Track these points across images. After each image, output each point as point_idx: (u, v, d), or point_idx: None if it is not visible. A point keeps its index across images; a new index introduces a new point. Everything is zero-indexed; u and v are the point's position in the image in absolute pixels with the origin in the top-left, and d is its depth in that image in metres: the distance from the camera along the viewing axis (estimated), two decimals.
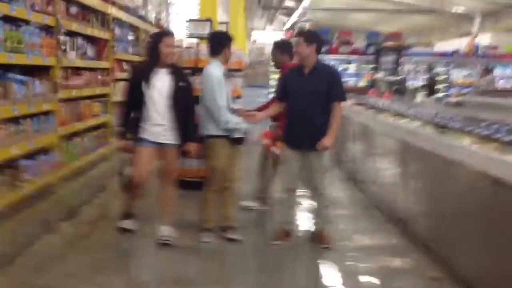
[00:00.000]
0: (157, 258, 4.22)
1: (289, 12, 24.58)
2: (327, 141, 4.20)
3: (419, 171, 4.59)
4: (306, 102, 4.25)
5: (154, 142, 4.22)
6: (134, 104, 4.22)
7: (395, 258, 4.39)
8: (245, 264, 4.17)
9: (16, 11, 4.98)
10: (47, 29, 5.80)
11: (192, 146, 4.30)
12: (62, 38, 6.02)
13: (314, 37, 4.30)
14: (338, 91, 4.33)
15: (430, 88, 15.71)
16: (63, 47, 6.07)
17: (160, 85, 4.16)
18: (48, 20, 5.74)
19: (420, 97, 14.35)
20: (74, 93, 6.63)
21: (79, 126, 6.87)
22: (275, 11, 24.01)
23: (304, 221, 5.10)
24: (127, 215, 4.54)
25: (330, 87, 4.25)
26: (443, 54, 19.45)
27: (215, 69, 4.34)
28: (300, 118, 4.28)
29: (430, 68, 16.77)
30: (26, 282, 3.63)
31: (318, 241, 4.45)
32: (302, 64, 4.29)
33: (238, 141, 4.42)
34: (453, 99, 14.72)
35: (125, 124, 4.30)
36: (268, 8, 22.16)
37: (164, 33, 4.41)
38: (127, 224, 4.51)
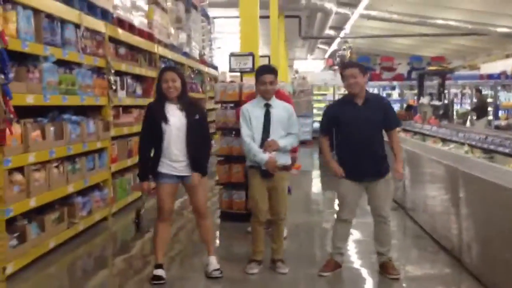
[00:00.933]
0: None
1: (329, 41, 24.71)
2: (400, 167, 4.32)
3: (471, 198, 4.50)
4: (366, 132, 4.25)
5: (174, 177, 4.24)
6: (152, 143, 4.24)
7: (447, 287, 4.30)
8: None
9: (69, 54, 5.25)
10: (98, 70, 6.07)
11: (196, 176, 4.23)
12: (112, 78, 6.28)
13: (365, 68, 4.36)
14: (393, 118, 4.45)
15: (480, 110, 15.40)
16: (113, 87, 6.32)
17: (174, 120, 4.18)
18: (99, 62, 6.00)
19: (469, 121, 14.13)
20: (125, 130, 6.86)
21: (129, 162, 7.08)
22: (316, 40, 24.18)
23: (355, 252, 5.06)
24: (158, 265, 4.35)
25: (386, 115, 4.32)
26: (490, 76, 19.09)
27: (248, 103, 4.55)
28: (362, 149, 4.25)
29: (478, 90, 16.49)
30: None
31: (387, 272, 4.37)
32: (354, 95, 4.28)
33: (265, 174, 4.34)
34: (502, 122, 14.41)
35: (145, 164, 4.32)
36: (309, 38, 22.34)
37: (162, 69, 4.45)
38: (157, 272, 4.32)
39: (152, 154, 4.28)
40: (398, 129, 9.50)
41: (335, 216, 4.55)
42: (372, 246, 4.60)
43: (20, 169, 4.47)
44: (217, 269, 4.38)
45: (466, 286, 4.29)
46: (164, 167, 4.20)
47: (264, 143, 4.32)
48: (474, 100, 15.89)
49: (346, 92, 4.43)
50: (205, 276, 4.38)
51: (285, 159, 4.43)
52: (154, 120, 4.19)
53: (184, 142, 4.18)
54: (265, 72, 4.44)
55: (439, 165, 5.37)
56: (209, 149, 4.50)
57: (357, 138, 4.26)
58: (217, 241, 5.70)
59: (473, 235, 4.40)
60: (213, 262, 4.42)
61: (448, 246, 4.94)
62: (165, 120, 4.15)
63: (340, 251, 4.51)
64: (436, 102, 14.80)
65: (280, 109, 4.46)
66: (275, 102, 4.47)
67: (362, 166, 4.26)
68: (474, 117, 15.37)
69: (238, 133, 5.39)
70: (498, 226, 3.94)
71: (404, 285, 4.35)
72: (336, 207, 4.77)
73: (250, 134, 4.35)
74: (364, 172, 4.27)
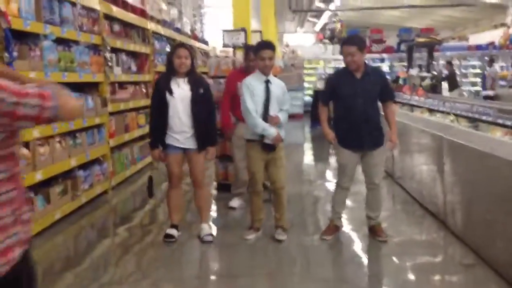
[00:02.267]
0: (206, 254, 4.52)
1: (319, 14, 24.71)
2: (395, 138, 4.57)
3: (455, 164, 4.75)
4: (364, 104, 4.45)
5: (178, 148, 4.51)
6: (160, 114, 4.49)
7: (434, 250, 4.55)
8: (291, 258, 4.42)
9: (67, 32, 5.39)
10: (94, 48, 6.21)
11: (211, 151, 4.58)
12: (108, 55, 6.42)
13: (363, 43, 4.51)
14: (390, 91, 4.71)
15: (451, 82, 15.64)
16: (109, 64, 6.46)
17: (180, 93, 4.42)
18: (95, 39, 6.14)
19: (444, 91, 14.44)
20: (121, 106, 7.03)
21: (127, 137, 7.26)
22: (305, 13, 24.18)
23: (347, 218, 5.32)
24: (172, 225, 4.77)
25: (383, 88, 4.54)
26: (478, 47, 19.25)
27: (251, 76, 4.65)
28: (360, 120, 4.46)
29: (448, 62, 16.73)
30: (93, 279, 3.98)
31: (376, 234, 4.65)
32: (352, 69, 4.45)
33: (269, 147, 4.54)
34: (490, 92, 14.67)
35: (155, 134, 4.58)
36: (298, 11, 22.35)
37: (176, 45, 4.69)
38: (171, 231, 4.72)
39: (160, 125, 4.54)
40: None
41: (335, 183, 4.78)
42: (362, 212, 4.86)
43: (26, 144, 4.65)
44: (209, 234, 4.67)
45: (451, 247, 4.55)
46: (169, 139, 4.48)
47: (268, 117, 4.48)
48: (446, 72, 16.12)
49: (337, 66, 4.64)
50: (199, 241, 4.64)
51: (283, 133, 4.62)
52: (160, 92, 4.42)
53: (189, 113, 4.42)
54: (265, 47, 4.55)
55: (425, 134, 5.61)
56: (214, 122, 4.69)
57: (355, 110, 4.45)
58: (214, 212, 5.94)
59: (457, 199, 4.66)
60: (206, 228, 4.70)
61: (434, 210, 5.22)
62: (170, 91, 4.39)
63: (339, 216, 4.78)
64: (425, 74, 15.00)
65: (276, 85, 4.62)
66: (272, 79, 4.64)
67: (360, 136, 4.48)
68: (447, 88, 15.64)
69: (232, 107, 5.58)
70: (480, 190, 4.19)
71: (393, 247, 4.59)
72: (327, 177, 5.00)
73: (255, 109, 4.48)
74: (362, 142, 4.49)
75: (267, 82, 4.54)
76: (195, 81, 4.48)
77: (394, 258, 4.34)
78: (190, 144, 4.50)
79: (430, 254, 4.43)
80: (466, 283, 3.90)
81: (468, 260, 4.13)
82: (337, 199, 4.74)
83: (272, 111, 4.51)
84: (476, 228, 4.27)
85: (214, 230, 5.00)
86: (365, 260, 4.37)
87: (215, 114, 4.70)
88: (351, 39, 4.57)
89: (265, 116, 4.48)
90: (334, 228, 4.74)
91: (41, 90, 1.68)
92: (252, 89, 4.50)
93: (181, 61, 4.40)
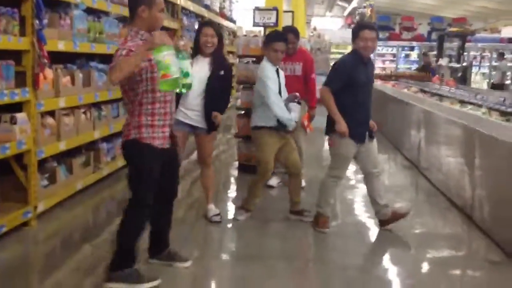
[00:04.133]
0: (222, 234, 4.48)
1: None
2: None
3: (486, 158, 4.61)
4: (368, 93, 4.36)
5: (187, 125, 4.40)
6: None
7: (459, 244, 4.47)
8: (309, 243, 4.37)
9: (97, 3, 5.33)
10: (124, 20, 6.14)
11: (219, 115, 4.34)
12: None
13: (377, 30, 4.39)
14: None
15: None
16: None
17: (200, 72, 4.28)
18: (125, 11, 6.06)
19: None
20: None
21: None
22: None
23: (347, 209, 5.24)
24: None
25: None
26: (510, 40, 18.78)
27: (266, 63, 4.56)
28: (366, 110, 4.36)
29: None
30: (111, 252, 3.96)
31: (399, 217, 4.52)
32: (367, 56, 4.33)
33: (286, 131, 4.49)
34: None
35: None
36: None
37: (202, 24, 4.60)
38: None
39: None
40: (415, 88, 9.55)
41: (331, 175, 4.48)
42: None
43: (51, 113, 4.64)
44: (217, 214, 4.61)
45: (476, 242, 4.45)
46: (179, 114, 4.33)
47: (290, 96, 4.49)
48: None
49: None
50: (208, 221, 4.59)
51: (298, 116, 4.59)
52: None
53: (202, 93, 4.31)
54: (278, 39, 4.52)
55: (455, 125, 5.46)
56: (226, 104, 4.58)
57: (366, 99, 4.36)
58: (234, 192, 5.91)
59: (486, 193, 4.54)
60: (212, 208, 4.64)
61: (461, 204, 5.09)
62: None
63: (331, 207, 4.62)
64: (455, 64, 14.73)
65: (281, 74, 4.64)
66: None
67: (365, 127, 4.37)
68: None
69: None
70: (511, 185, 4.06)
71: (414, 239, 4.53)
72: None
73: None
74: (364, 133, 4.37)
75: (277, 71, 4.56)
76: (217, 62, 4.38)
77: (413, 249, 4.28)
78: (199, 122, 4.38)
79: (453, 248, 4.34)
80: (490, 280, 3.79)
81: (494, 256, 4.02)
82: (331, 191, 4.51)
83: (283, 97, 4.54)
84: (505, 225, 4.15)
85: (232, 210, 4.97)
86: (384, 250, 4.30)
87: (229, 95, 4.60)
88: (371, 25, 4.45)
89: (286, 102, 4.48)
90: (327, 219, 4.53)
91: None
92: (270, 75, 4.46)
93: (206, 39, 4.32)
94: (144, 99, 3.17)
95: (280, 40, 4.52)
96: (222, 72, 4.36)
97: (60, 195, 4.79)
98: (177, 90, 3.15)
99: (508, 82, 15.97)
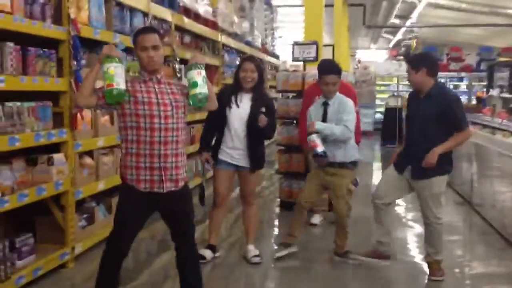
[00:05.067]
0: (264, 275, 4.32)
1: (394, 30, 24.10)
2: (431, 157, 3.92)
3: None
4: (416, 128, 4.10)
5: (231, 165, 4.32)
6: (215, 126, 4.37)
7: None
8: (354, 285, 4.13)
9: None
10: (164, 59, 6.17)
11: (263, 118, 4.18)
12: (177, 66, 6.38)
13: (421, 62, 4.06)
14: (454, 119, 3.97)
15: None
16: (178, 75, 6.42)
17: (242, 109, 4.24)
18: (165, 50, 6.08)
19: None
20: (187, 118, 6.95)
21: (191, 149, 7.19)
22: (380, 29, 23.65)
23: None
24: (208, 246, 4.55)
25: (446, 114, 3.95)
26: None
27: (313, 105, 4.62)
28: (411, 144, 4.15)
29: None
30: None
31: (430, 272, 4.21)
32: (418, 89, 4.13)
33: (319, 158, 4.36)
34: None
35: (207, 145, 4.46)
36: (373, 26, 21.88)
37: (243, 59, 4.52)
38: (204, 252, 4.45)
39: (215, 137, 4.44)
40: None
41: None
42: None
43: (90, 153, 4.63)
44: (257, 255, 4.45)
45: None
46: (223, 154, 4.31)
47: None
48: None
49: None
50: (248, 262, 4.44)
51: (334, 152, 4.34)
52: (220, 105, 4.22)
53: (245, 131, 4.23)
54: (329, 72, 4.40)
55: (509, 159, 5.15)
56: (270, 134, 4.46)
57: (409, 132, 4.21)
58: (276, 229, 5.74)
59: None
60: (252, 249, 4.50)
61: None
62: (230, 106, 4.24)
63: (387, 238, 4.46)
64: (507, 95, 14.17)
65: (334, 103, 4.44)
66: (334, 99, 4.46)
67: (405, 159, 4.14)
68: None
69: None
70: None
71: (468, 281, 4.23)
72: (396, 200, 4.60)
73: None
74: (404, 166, 4.14)
75: (325, 104, 4.43)
76: (258, 98, 4.28)
77: None
78: (243, 162, 4.30)
79: None
80: None
81: None
82: (377, 217, 4.38)
83: None
84: None
85: (274, 250, 4.78)
86: None
87: (273, 128, 4.38)
88: (407, 57, 4.33)
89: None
90: (384, 253, 4.40)
91: None
92: (310, 116, 4.49)
93: (246, 74, 4.24)
94: (129, 136, 3.07)
95: (331, 72, 4.37)
96: (263, 109, 4.24)
97: (99, 235, 4.73)
98: (189, 103, 3.10)
99: None
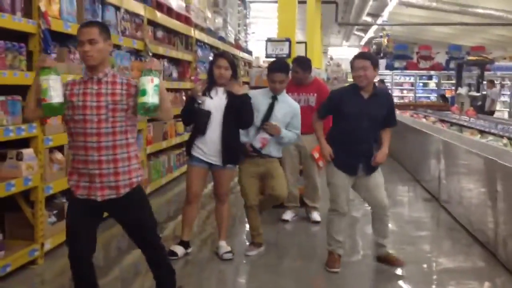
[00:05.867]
0: (236, 271, 4.35)
1: (366, 28, 24.38)
2: (381, 157, 4.11)
3: (509, 192, 4.41)
4: (365, 127, 4.09)
5: (204, 162, 4.29)
6: (190, 121, 4.35)
7: (481, 281, 4.24)
8: (325, 282, 4.18)
9: None
10: (136, 53, 6.14)
11: (237, 86, 4.28)
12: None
13: (377, 60, 4.19)
14: (393, 118, 4.29)
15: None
16: None
17: (216, 101, 4.20)
18: (137, 45, 6.07)
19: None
20: None
21: (164, 144, 7.17)
22: (352, 27, 23.88)
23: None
24: (180, 242, 4.52)
25: (388, 113, 4.17)
26: None
27: (257, 91, 4.68)
28: (357, 143, 4.11)
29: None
30: None
31: (390, 263, 4.31)
32: (360, 87, 4.10)
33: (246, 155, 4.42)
34: None
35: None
36: (345, 24, 22.08)
37: (216, 55, 4.51)
38: (175, 248, 4.46)
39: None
40: (433, 118, 9.38)
41: (330, 210, 4.31)
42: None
43: (60, 148, 4.57)
44: (229, 252, 4.45)
45: (501, 280, 4.21)
46: (196, 150, 4.27)
47: (269, 123, 4.35)
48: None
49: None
50: (220, 258, 4.44)
51: (273, 150, 4.47)
52: (193, 100, 4.23)
53: (219, 126, 4.20)
54: (276, 71, 4.45)
55: (476, 157, 5.27)
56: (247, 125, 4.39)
57: (357, 131, 4.09)
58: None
59: (510, 228, 4.32)
60: (224, 245, 4.49)
61: (483, 239, 4.87)
62: (203, 101, 4.20)
63: (341, 244, 4.36)
64: (474, 93, 14.51)
65: (285, 105, 4.49)
66: (284, 98, 4.52)
67: (356, 161, 4.13)
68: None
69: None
70: None
71: (435, 277, 4.32)
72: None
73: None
74: (355, 166, 4.14)
75: (274, 98, 4.46)
76: (232, 94, 4.25)
77: (434, 287, 4.09)
78: (217, 159, 4.26)
79: (476, 286, 4.13)
80: None
81: None
82: (335, 227, 4.26)
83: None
84: None
85: (246, 246, 4.81)
86: (407, 287, 4.09)
87: (250, 120, 4.33)
88: (363, 54, 4.30)
89: (259, 129, 4.38)
90: (338, 258, 4.30)
91: None
92: (255, 103, 4.37)
93: (220, 71, 4.23)
94: (70, 142, 3.00)
95: (278, 70, 4.44)
96: (238, 102, 4.23)
97: (63, 235, 4.67)
98: (139, 113, 2.94)
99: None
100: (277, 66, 4.56)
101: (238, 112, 4.22)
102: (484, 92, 15.16)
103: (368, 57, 4.10)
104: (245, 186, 4.50)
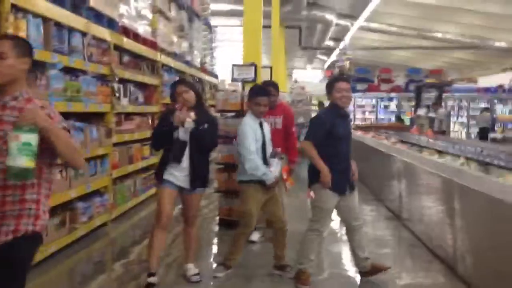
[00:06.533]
0: None
1: (329, 51, 24.89)
2: (356, 172, 4.47)
3: (466, 209, 4.60)
4: (348, 146, 4.40)
5: (175, 185, 4.32)
6: (162, 147, 4.39)
7: None
8: None
9: (75, 62, 5.36)
10: (102, 78, 6.17)
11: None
12: (116, 85, 6.38)
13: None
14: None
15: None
16: (116, 94, 6.42)
17: (185, 124, 4.22)
18: (103, 70, 6.11)
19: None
20: (126, 137, 6.96)
21: (130, 168, 7.17)
22: (315, 51, 24.37)
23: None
24: (149, 274, 4.33)
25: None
26: (487, 90, 19.26)
27: (247, 117, 4.63)
28: (347, 163, 4.37)
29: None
30: None
31: (380, 270, 4.51)
32: (341, 108, 4.37)
33: (266, 186, 4.48)
34: (498, 135, 14.58)
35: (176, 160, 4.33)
36: (308, 48, 22.53)
37: (176, 82, 4.58)
38: (151, 279, 4.30)
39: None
40: (394, 139, 9.64)
41: (313, 229, 4.39)
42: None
43: None
44: (197, 274, 4.49)
45: None
46: (167, 175, 4.29)
47: (272, 152, 4.54)
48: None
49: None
50: (187, 281, 4.45)
51: (279, 171, 4.62)
52: (167, 123, 4.26)
53: (189, 150, 4.26)
54: (262, 94, 4.61)
55: (435, 176, 5.47)
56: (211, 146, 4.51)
57: (345, 151, 4.36)
58: (216, 248, 5.81)
59: (468, 245, 4.50)
60: (191, 268, 4.53)
61: (443, 255, 5.04)
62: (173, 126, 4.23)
63: (313, 263, 4.49)
64: (433, 114, 14.93)
65: (266, 127, 4.70)
66: (263, 120, 4.71)
67: (346, 179, 4.37)
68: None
69: None
70: (492, 237, 4.04)
71: None
72: None
73: (255, 151, 4.47)
74: (345, 185, 4.37)
75: (261, 124, 4.62)
76: (200, 113, 4.31)
77: None
78: (188, 183, 4.32)
79: None
80: None
81: None
82: (313, 246, 4.40)
83: (269, 151, 4.57)
84: (487, 277, 4.10)
85: (212, 267, 4.85)
86: None
87: (212, 142, 4.44)
88: (345, 77, 4.59)
89: (265, 158, 4.50)
90: (309, 276, 4.41)
91: None
92: (254, 131, 4.50)
93: (181, 98, 4.28)
94: None
95: (263, 94, 4.60)
96: (206, 126, 4.28)
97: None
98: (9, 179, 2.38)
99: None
100: (261, 90, 4.72)
101: (201, 138, 4.27)
102: (444, 113, 15.63)
103: (348, 80, 4.49)
104: (253, 212, 4.49)
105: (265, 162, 4.49)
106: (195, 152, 4.28)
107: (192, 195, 4.39)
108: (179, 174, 4.29)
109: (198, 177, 4.33)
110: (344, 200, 4.38)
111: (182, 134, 4.25)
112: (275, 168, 4.50)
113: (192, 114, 4.17)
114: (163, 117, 4.47)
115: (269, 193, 4.55)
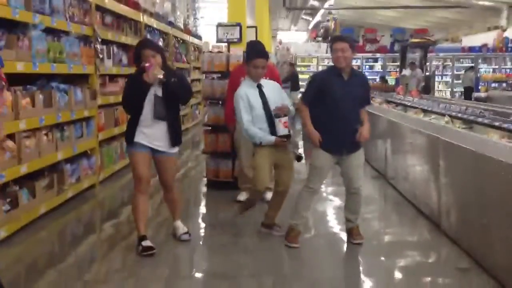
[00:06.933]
0: (192, 253, 4.41)
1: (314, 12, 24.62)
2: (366, 132, 4.31)
3: (450, 166, 4.68)
4: (348, 107, 4.28)
5: (148, 147, 4.17)
6: (134, 108, 4.17)
7: (426, 252, 4.49)
8: (280, 258, 4.33)
9: (57, 23, 5.25)
10: (85, 39, 6.07)
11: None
12: (99, 47, 6.28)
13: (355, 42, 4.44)
14: (369, 97, 4.57)
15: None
16: (100, 56, 6.32)
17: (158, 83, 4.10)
18: (86, 31, 6.00)
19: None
20: (111, 99, 6.89)
21: (116, 131, 7.13)
22: (299, 11, 24.08)
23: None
24: (141, 237, 4.23)
25: (364, 93, 4.42)
26: (471, 49, 19.30)
27: (242, 85, 4.54)
28: (342, 124, 4.28)
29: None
30: (77, 278, 3.87)
31: (352, 237, 4.52)
32: (340, 69, 4.27)
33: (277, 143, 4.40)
34: (482, 94, 14.72)
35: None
36: (293, 8, 22.24)
37: (142, 45, 4.28)
38: (146, 243, 4.20)
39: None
40: (379, 100, 9.70)
41: (305, 186, 4.45)
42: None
43: (11, 136, 4.52)
44: (186, 232, 4.49)
45: (445, 250, 4.47)
46: (139, 136, 4.13)
47: (275, 112, 4.35)
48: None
49: (330, 64, 4.47)
50: (177, 240, 4.47)
51: (286, 130, 4.42)
52: (137, 88, 4.10)
53: (162, 104, 4.11)
54: (259, 56, 4.46)
55: (420, 134, 5.54)
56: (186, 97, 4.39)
57: (341, 112, 4.26)
58: (204, 209, 5.86)
59: (452, 201, 4.59)
60: (180, 226, 4.51)
61: (428, 212, 5.14)
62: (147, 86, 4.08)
63: (305, 220, 4.57)
64: (407, 73, 14.97)
65: (269, 88, 4.54)
66: (264, 82, 4.57)
67: (342, 140, 4.31)
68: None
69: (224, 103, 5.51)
70: (475, 192, 4.12)
71: (383, 248, 4.55)
72: None
73: (250, 119, 4.39)
74: (342, 146, 4.33)
75: (260, 86, 4.49)
76: (166, 72, 4.11)
77: (384, 259, 4.29)
78: (162, 145, 4.20)
79: (422, 256, 4.36)
80: (460, 287, 3.82)
81: (462, 264, 4.04)
82: (305, 203, 4.47)
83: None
84: (472, 232, 4.20)
85: (202, 228, 4.91)
86: (355, 261, 4.32)
87: (186, 95, 4.33)
88: (342, 36, 4.48)
89: (271, 120, 4.38)
90: (298, 234, 4.49)
91: None
92: (248, 98, 4.40)
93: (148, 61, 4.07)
94: None
95: (261, 56, 4.47)
96: (174, 79, 4.13)
97: (23, 219, 4.65)
98: None
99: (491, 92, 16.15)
100: (259, 52, 4.53)
101: (175, 90, 4.14)
102: (428, 73, 15.71)
103: (346, 40, 4.30)
104: (262, 171, 4.43)
105: (273, 124, 4.39)
106: (171, 108, 4.19)
107: (168, 158, 4.27)
108: (153, 135, 4.13)
109: (177, 134, 4.26)
110: (342, 162, 4.39)
111: (159, 90, 4.13)
112: (280, 127, 4.35)
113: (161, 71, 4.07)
114: (132, 78, 4.28)
115: (280, 151, 4.46)
